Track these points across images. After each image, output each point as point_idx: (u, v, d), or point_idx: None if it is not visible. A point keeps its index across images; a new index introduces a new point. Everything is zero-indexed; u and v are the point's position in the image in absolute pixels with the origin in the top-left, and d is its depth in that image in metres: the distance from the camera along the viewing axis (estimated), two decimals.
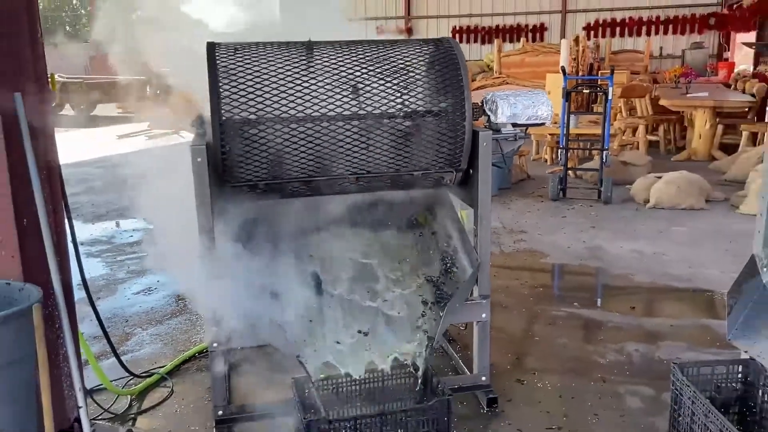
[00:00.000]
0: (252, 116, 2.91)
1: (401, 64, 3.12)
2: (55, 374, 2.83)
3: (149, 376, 3.67)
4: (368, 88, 3.03)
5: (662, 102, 10.97)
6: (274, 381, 3.60)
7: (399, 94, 3.06)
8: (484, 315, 3.32)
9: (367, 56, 3.10)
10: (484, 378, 3.41)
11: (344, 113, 2.98)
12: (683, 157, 10.94)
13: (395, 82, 3.08)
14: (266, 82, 2.94)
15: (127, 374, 3.58)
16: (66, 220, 3.01)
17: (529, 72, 14.06)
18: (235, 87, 2.92)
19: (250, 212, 3.35)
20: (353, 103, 2.99)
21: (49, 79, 2.89)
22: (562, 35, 20.25)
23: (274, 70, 2.98)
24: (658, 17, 21.61)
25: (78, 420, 3.03)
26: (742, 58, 20.89)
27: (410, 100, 3.07)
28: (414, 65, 3.13)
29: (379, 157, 3.07)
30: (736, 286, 3.15)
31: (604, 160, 7.93)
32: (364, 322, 3.02)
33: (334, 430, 2.72)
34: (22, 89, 2.67)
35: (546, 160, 10.68)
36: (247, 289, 3.04)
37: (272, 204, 3.31)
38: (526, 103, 3.34)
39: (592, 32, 21.44)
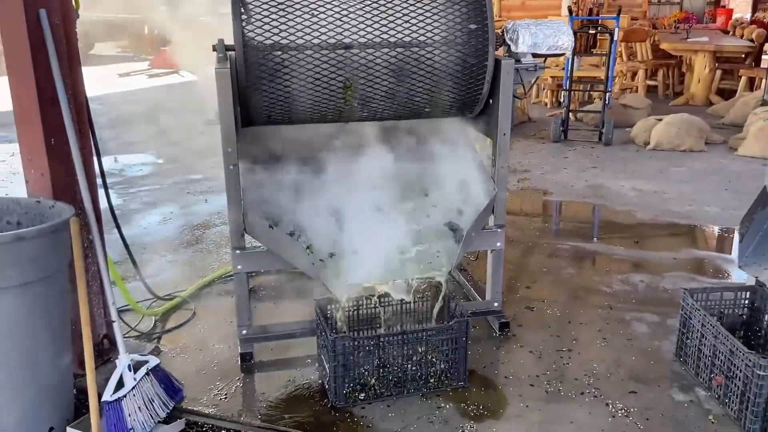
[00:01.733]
0: (280, 40, 2.85)
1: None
2: None
3: (172, 298, 3.70)
4: (395, 16, 2.96)
5: (663, 46, 10.84)
6: (291, 306, 3.68)
7: (423, 23, 2.99)
8: (498, 243, 3.33)
9: None
10: (496, 304, 3.45)
11: (374, 40, 2.91)
12: (681, 101, 10.86)
13: (419, 11, 3.01)
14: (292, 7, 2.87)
15: (151, 296, 3.60)
16: (92, 145, 2.97)
17: (530, 15, 13.80)
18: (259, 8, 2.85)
19: (274, 136, 3.34)
20: (383, 29, 2.92)
21: None
22: None
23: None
24: None
25: (107, 336, 3.08)
26: (739, 5, 20.60)
27: (435, 28, 3.00)
28: None
29: (406, 85, 3.01)
30: (747, 215, 3.16)
31: (606, 102, 7.86)
32: (387, 245, 3.01)
33: (359, 346, 2.76)
34: (47, 5, 2.60)
35: (546, 104, 10.58)
36: (271, 210, 3.04)
37: (295, 129, 3.29)
38: (547, 33, 3.27)
39: None
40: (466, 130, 3.55)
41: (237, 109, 2.88)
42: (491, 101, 3.21)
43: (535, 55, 3.33)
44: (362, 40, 2.89)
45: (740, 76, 11.03)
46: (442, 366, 2.89)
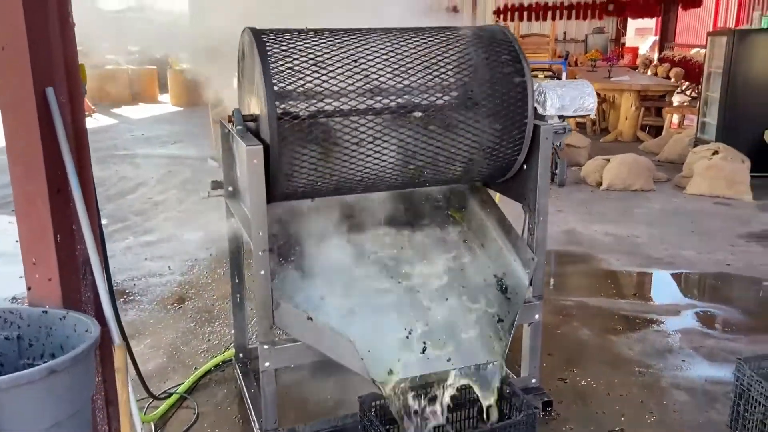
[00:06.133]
0: (308, 109, 2.58)
1: (457, 52, 2.86)
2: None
3: (168, 396, 3.28)
4: (428, 81, 2.76)
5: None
6: (309, 390, 3.35)
7: (457, 87, 2.81)
8: (537, 316, 3.14)
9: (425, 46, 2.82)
10: (534, 380, 3.25)
11: (409, 104, 2.69)
12: (611, 138, 11.25)
13: (453, 71, 2.82)
14: (323, 70, 2.61)
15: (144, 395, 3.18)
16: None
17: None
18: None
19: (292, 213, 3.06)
20: (417, 93, 2.71)
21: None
22: (473, 18, 20.39)
23: (328, 56, 2.65)
24: (562, 3, 22.09)
25: None
26: (634, 40, 21.93)
27: (469, 93, 2.82)
28: (471, 55, 2.87)
29: (440, 151, 2.80)
30: None
31: (558, 144, 7.91)
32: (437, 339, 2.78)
33: None
34: (53, 83, 2.23)
35: None
36: (305, 300, 2.74)
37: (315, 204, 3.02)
38: (574, 95, 3.16)
39: (501, 16, 21.68)
40: (487, 192, 3.40)
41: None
42: (524, 166, 3.06)
43: (560, 117, 3.22)
44: (395, 104, 2.68)
45: (665, 113, 11.60)
46: None
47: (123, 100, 16.73)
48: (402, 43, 2.80)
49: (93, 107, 14.32)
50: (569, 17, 22.35)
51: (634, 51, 19.14)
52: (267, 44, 2.61)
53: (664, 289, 4.89)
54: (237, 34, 2.88)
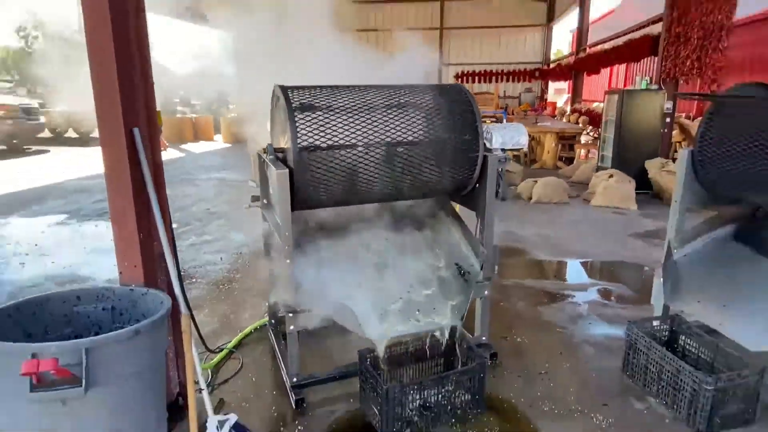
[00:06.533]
0: (322, 143, 2.57)
1: (430, 103, 2.86)
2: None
3: (221, 350, 3.24)
4: (410, 123, 2.75)
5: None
6: (317, 349, 3.31)
7: (430, 128, 2.80)
8: (486, 292, 3.13)
9: (406, 99, 2.81)
10: (484, 338, 3.23)
11: (395, 140, 2.69)
12: (537, 166, 11.27)
13: (427, 117, 2.82)
14: (333, 116, 2.60)
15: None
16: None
17: None
18: (307, 121, 2.57)
19: (309, 218, 3.03)
20: (402, 132, 2.70)
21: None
22: (440, 82, 20.41)
23: (337, 106, 2.64)
24: (502, 70, 22.26)
25: (180, 394, 2.62)
26: (554, 97, 22.06)
27: (439, 132, 2.82)
28: (441, 106, 2.86)
29: (418, 174, 2.80)
30: (663, 265, 3.13)
31: (500, 169, 7.92)
32: (410, 302, 2.75)
33: (406, 392, 2.46)
34: (138, 124, 2.21)
35: None
36: (318, 282, 2.71)
37: (323, 211, 2.99)
38: (512, 134, 3.18)
39: (460, 79, 21.76)
40: (450, 204, 3.38)
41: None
42: (478, 185, 3.06)
43: (502, 149, 3.22)
44: (385, 140, 2.67)
45: (576, 148, 11.66)
46: (467, 397, 2.63)
47: (188, 139, 16.63)
48: (391, 97, 2.80)
49: (166, 143, 14.21)
50: (508, 80, 22.52)
51: (553, 104, 19.25)
52: (291, 98, 2.60)
53: (575, 272, 4.89)
54: (268, 91, 2.86)
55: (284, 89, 2.64)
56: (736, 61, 9.86)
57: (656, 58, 9.27)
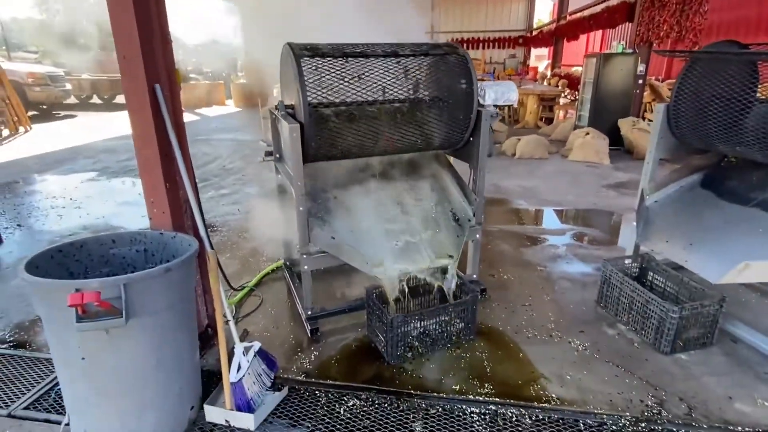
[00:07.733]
0: (329, 100, 2.48)
1: (430, 64, 2.74)
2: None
3: (243, 288, 3.25)
4: (408, 84, 2.65)
5: None
6: (325, 286, 3.33)
7: (431, 84, 2.70)
8: (477, 236, 3.12)
9: (407, 60, 2.70)
10: (475, 276, 3.24)
11: (399, 97, 2.60)
12: (520, 126, 11.04)
13: (427, 78, 2.72)
14: (340, 74, 2.49)
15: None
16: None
17: None
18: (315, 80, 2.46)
19: (319, 170, 2.96)
20: (404, 89, 2.61)
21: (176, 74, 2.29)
22: None
23: (344, 64, 2.53)
24: (489, 37, 21.57)
25: (209, 326, 2.64)
26: (535, 62, 21.48)
27: (440, 87, 2.72)
28: (440, 64, 2.75)
29: (420, 128, 2.72)
30: (637, 210, 3.11)
31: (491, 125, 7.79)
32: (411, 243, 2.74)
33: (408, 322, 2.48)
34: (159, 81, 2.12)
35: None
36: (328, 226, 2.69)
37: (331, 164, 2.92)
38: (503, 90, 3.10)
39: None
40: (445, 157, 3.31)
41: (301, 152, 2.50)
42: (471, 138, 2.99)
43: (494, 105, 3.13)
44: (389, 96, 2.58)
45: (555, 109, 11.44)
46: (461, 326, 2.67)
47: (201, 104, 16.21)
48: (395, 54, 2.68)
49: (182, 108, 13.85)
50: (493, 47, 21.89)
51: (535, 69, 18.74)
52: (301, 56, 2.49)
53: (554, 219, 4.87)
54: (275, 51, 2.73)
55: (293, 47, 2.52)
56: (717, 23, 9.52)
57: (631, 24, 8.95)
